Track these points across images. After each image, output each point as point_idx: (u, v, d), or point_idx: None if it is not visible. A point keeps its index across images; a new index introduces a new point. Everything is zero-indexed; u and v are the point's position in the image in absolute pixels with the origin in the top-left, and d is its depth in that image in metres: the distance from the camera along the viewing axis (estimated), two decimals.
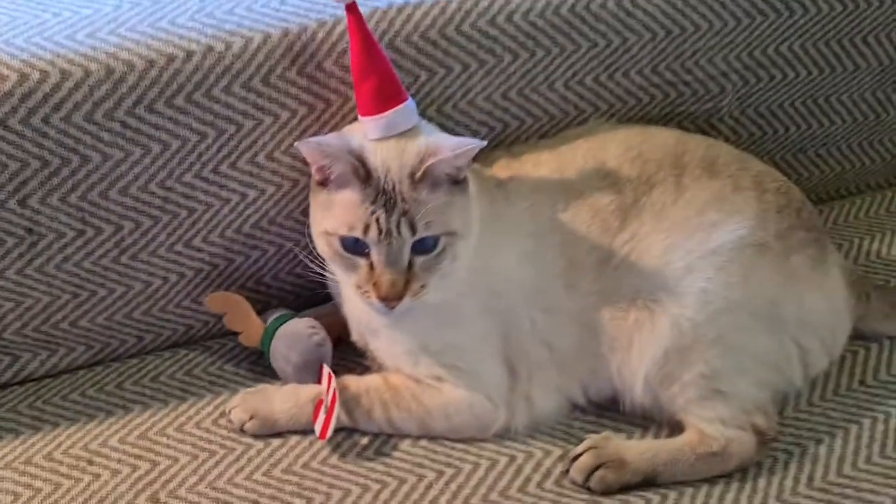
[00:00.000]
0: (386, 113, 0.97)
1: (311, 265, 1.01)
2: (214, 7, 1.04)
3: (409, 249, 0.94)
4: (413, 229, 0.93)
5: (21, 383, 1.11)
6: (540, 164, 1.10)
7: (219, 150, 1.05)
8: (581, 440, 1.03)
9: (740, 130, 1.28)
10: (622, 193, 1.06)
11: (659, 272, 1.02)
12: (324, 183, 0.97)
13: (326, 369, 1.04)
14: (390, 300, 0.94)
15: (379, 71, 0.98)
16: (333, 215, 0.95)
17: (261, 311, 1.16)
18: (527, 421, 1.05)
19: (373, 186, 0.94)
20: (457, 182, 0.97)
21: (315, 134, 1.07)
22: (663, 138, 1.11)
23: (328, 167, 0.95)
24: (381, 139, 0.97)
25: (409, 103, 0.99)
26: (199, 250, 1.11)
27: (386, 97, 0.97)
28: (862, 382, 1.13)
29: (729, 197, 1.06)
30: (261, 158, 1.07)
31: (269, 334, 1.11)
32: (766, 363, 1.04)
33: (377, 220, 0.93)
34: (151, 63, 0.99)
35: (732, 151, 1.13)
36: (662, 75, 1.19)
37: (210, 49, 1.01)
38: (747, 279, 1.02)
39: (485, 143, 0.95)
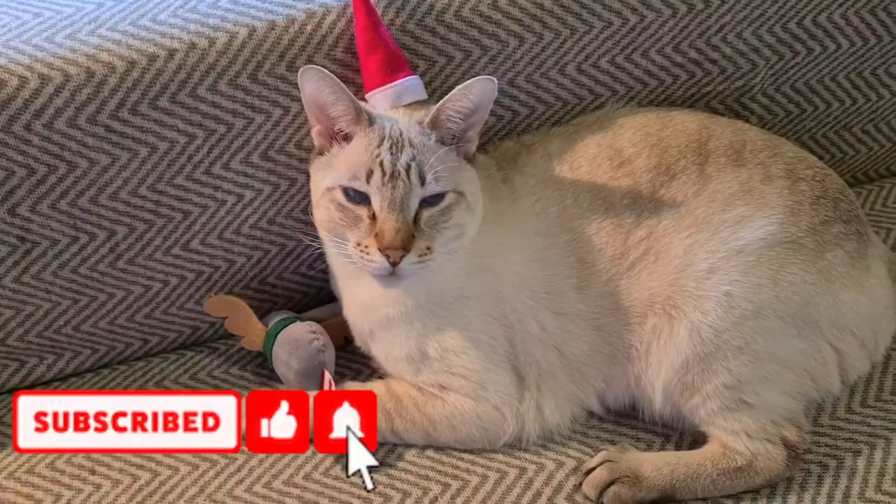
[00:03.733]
0: (394, 82, 0.93)
1: (313, 244, 0.97)
2: (198, 1, 0.98)
3: (417, 199, 0.88)
4: (422, 178, 0.88)
5: (30, 388, 1.09)
6: (550, 154, 1.02)
7: (209, 151, 1.00)
8: (596, 450, 0.98)
9: (775, 109, 1.18)
10: (638, 186, 0.98)
11: (678, 274, 0.94)
12: (322, 152, 0.93)
13: (327, 376, 1.00)
14: (395, 249, 0.86)
15: (385, 43, 0.95)
16: (335, 168, 0.91)
17: (267, 312, 1.12)
18: (538, 431, 0.99)
19: (377, 132, 0.89)
20: (467, 158, 0.92)
21: (309, 132, 1.02)
22: (686, 123, 1.03)
23: (329, 108, 0.90)
24: (391, 110, 0.93)
25: (417, 78, 0.96)
26: (198, 253, 1.07)
27: (394, 68, 0.94)
28: None
29: (758, 188, 0.97)
30: (255, 158, 1.02)
31: (270, 338, 1.07)
32: (798, 370, 0.95)
33: (381, 164, 0.87)
34: (133, 64, 0.95)
35: (763, 136, 1.04)
36: (686, 53, 1.10)
37: (193, 46, 0.96)
38: (777, 280, 0.93)
39: (494, 80, 0.88)
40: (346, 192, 0.90)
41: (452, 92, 0.89)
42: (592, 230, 0.97)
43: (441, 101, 0.89)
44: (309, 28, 0.98)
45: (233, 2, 0.98)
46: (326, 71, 0.90)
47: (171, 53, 0.95)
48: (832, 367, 0.97)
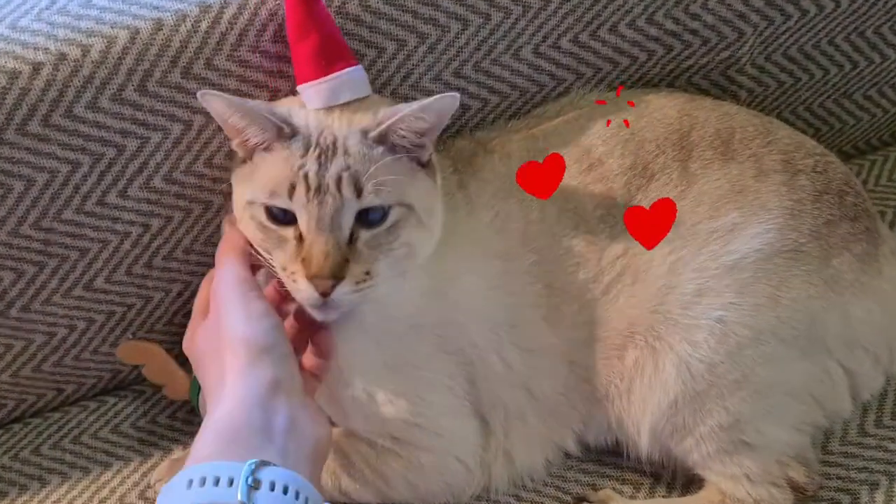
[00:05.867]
0: (331, 75, 0.76)
1: None
2: (67, 1, 0.80)
3: (352, 215, 0.73)
4: (358, 189, 0.72)
5: None
6: (509, 155, 0.87)
7: (100, 179, 0.84)
8: (576, 498, 0.85)
9: (766, 80, 1.03)
10: (612, 192, 0.83)
11: (661, 299, 0.80)
12: (246, 160, 0.77)
13: None
14: (323, 278, 0.71)
15: (322, 26, 0.77)
16: (256, 180, 0.75)
17: None
18: (507, 480, 0.86)
19: (302, 141, 0.74)
20: (421, 164, 0.76)
21: (221, 147, 0.86)
22: (664, 110, 0.87)
23: (242, 132, 0.75)
24: (325, 109, 0.76)
25: (359, 69, 0.78)
26: (105, 292, 0.92)
27: (331, 57, 0.76)
28: None
29: (751, 186, 0.83)
30: (158, 182, 0.86)
31: (195, 387, 0.93)
32: (805, 398, 0.82)
33: (305, 177, 0.72)
34: None
35: (752, 120, 0.89)
36: (662, 25, 0.93)
37: (63, 57, 0.78)
38: (777, 299, 0.79)
39: (457, 96, 0.73)
40: (269, 209, 0.75)
41: (405, 111, 0.73)
42: (561, 250, 0.82)
43: (391, 119, 0.73)
44: (204, 25, 0.80)
45: None
46: (227, 96, 0.74)
47: (37, 68, 0.78)
48: (842, 389, 0.84)
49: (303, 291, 0.73)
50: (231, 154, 0.85)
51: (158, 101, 0.82)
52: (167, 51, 0.80)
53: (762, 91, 1.03)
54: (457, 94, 0.73)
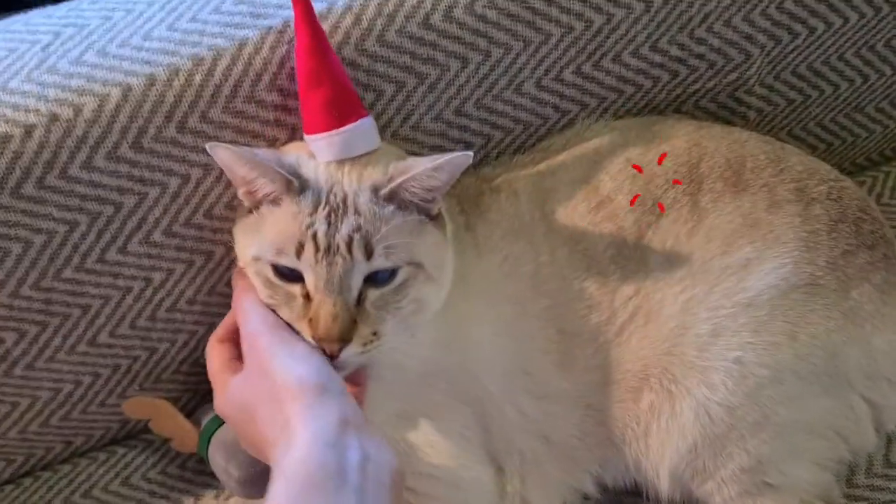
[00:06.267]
0: (343, 128, 0.74)
1: None
2: (58, 58, 0.79)
3: (361, 277, 0.71)
4: (369, 251, 0.71)
5: None
6: (517, 193, 0.85)
7: (98, 237, 0.83)
8: None
9: (776, 99, 1.00)
10: (623, 231, 0.81)
11: (675, 340, 0.78)
12: (252, 211, 0.76)
13: None
14: (332, 341, 0.70)
15: (335, 77, 0.75)
16: (263, 236, 0.73)
17: (206, 394, 0.96)
18: None
19: (311, 198, 0.72)
20: (430, 217, 0.75)
21: (220, 198, 0.84)
22: (672, 140, 0.85)
23: (249, 183, 0.74)
24: (335, 162, 0.74)
25: (371, 119, 0.77)
26: (110, 346, 0.91)
27: (344, 110, 0.74)
28: None
29: (764, 219, 0.80)
30: (157, 236, 0.85)
31: (205, 439, 0.91)
32: (828, 434, 0.80)
33: (314, 236, 0.71)
34: None
35: (763, 147, 0.86)
36: (666, 52, 0.91)
37: (55, 118, 0.77)
38: (795, 336, 0.77)
39: (471, 154, 0.72)
40: (277, 267, 0.73)
41: (418, 170, 0.71)
42: (573, 293, 0.80)
43: (402, 177, 0.72)
44: (197, 79, 0.78)
45: (101, 54, 0.79)
46: (235, 148, 0.72)
47: (29, 130, 0.76)
48: (866, 422, 0.82)
49: None
50: (232, 204, 0.84)
51: (154, 156, 0.80)
52: (161, 106, 0.78)
53: (772, 110, 1.01)
54: (470, 153, 0.71)
